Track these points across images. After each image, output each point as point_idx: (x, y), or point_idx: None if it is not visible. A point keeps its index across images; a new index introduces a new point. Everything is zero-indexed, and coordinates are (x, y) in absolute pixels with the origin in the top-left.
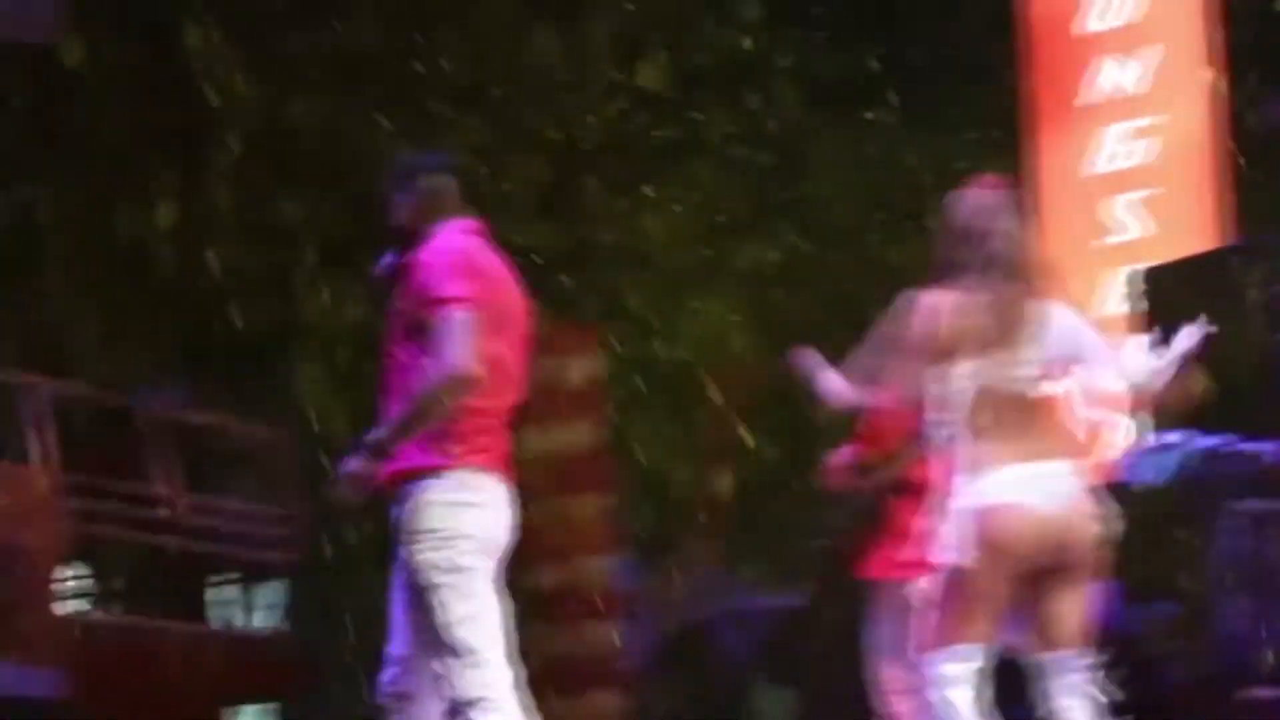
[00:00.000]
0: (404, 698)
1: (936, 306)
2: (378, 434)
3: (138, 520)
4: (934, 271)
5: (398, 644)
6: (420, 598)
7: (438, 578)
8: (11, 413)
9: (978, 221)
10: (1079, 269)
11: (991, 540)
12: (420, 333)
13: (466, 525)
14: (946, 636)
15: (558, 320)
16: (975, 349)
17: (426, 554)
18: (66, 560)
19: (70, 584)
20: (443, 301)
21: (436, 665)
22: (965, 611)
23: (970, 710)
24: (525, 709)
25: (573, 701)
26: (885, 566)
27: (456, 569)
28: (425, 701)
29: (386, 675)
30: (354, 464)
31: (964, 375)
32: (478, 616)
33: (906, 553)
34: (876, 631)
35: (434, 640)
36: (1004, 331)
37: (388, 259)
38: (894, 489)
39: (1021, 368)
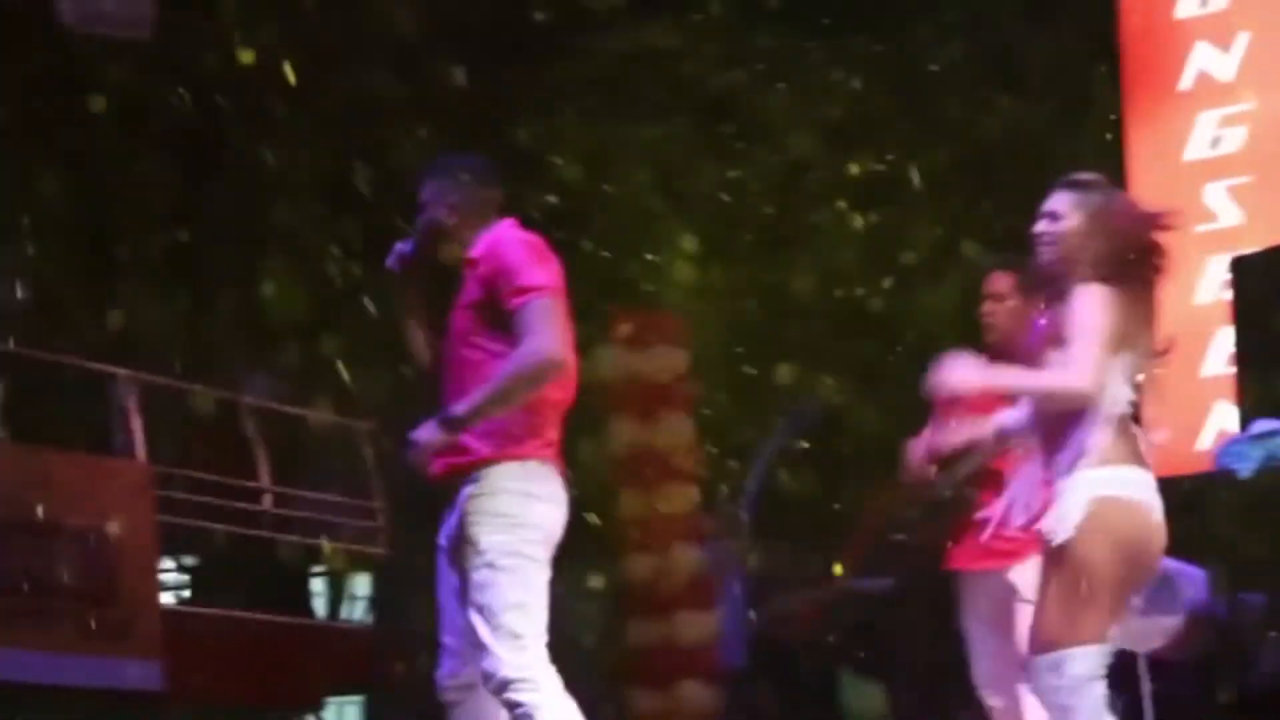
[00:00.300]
0: (465, 689)
1: (1106, 299)
2: (457, 409)
3: (230, 512)
4: (1090, 265)
5: (451, 635)
6: (475, 579)
7: (500, 560)
8: (102, 405)
9: (1142, 225)
10: (1174, 255)
11: (1128, 536)
12: (500, 322)
13: (534, 516)
14: (1076, 634)
15: (645, 314)
16: (1130, 345)
17: (493, 536)
18: (160, 553)
19: (165, 576)
20: (530, 290)
21: (481, 640)
22: (1096, 606)
23: (1106, 710)
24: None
25: (663, 692)
26: (974, 557)
27: (518, 555)
28: (485, 690)
29: (445, 668)
30: (427, 434)
31: (1118, 370)
32: (528, 606)
33: (996, 542)
34: (969, 625)
35: (482, 620)
36: (1148, 331)
37: (402, 247)
38: (979, 479)
39: (1153, 367)
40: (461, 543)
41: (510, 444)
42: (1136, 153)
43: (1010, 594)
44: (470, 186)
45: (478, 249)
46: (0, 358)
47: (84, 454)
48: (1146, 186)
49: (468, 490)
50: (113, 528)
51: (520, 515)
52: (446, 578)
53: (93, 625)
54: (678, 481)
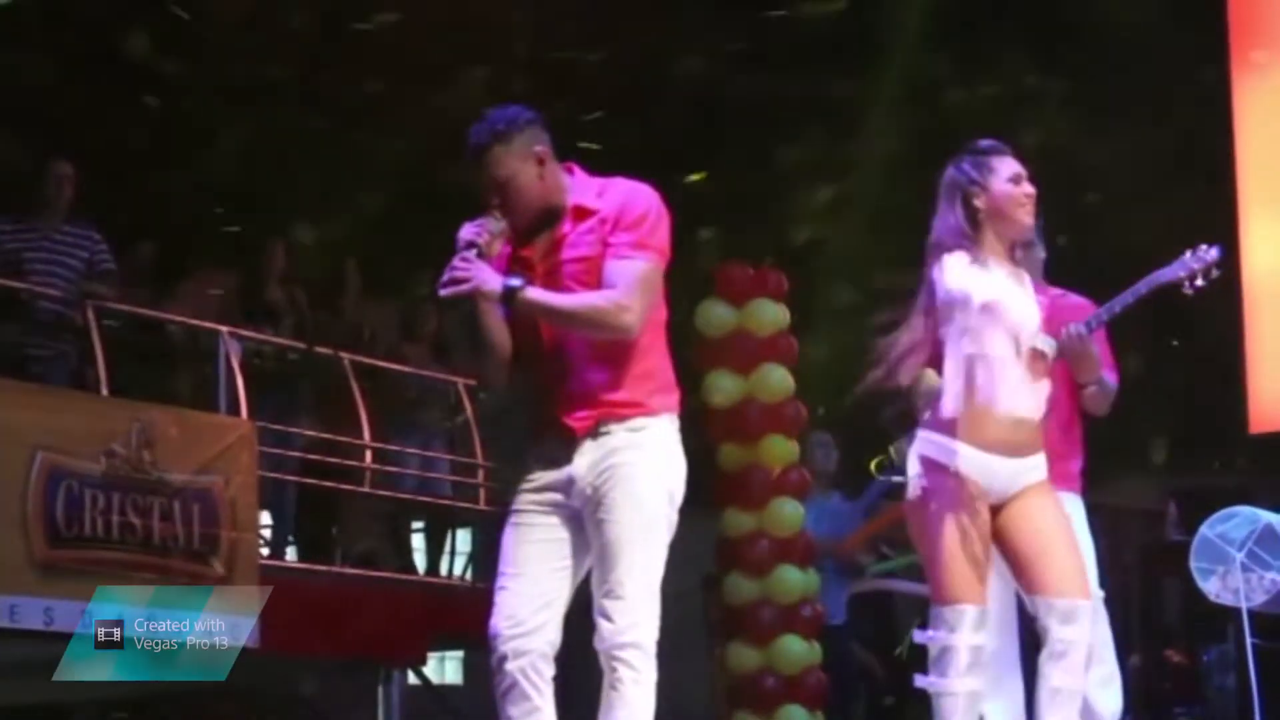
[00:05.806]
0: (522, 654)
1: None
2: (529, 290)
3: (330, 467)
4: None
5: (522, 588)
6: (625, 535)
7: (658, 518)
8: (203, 361)
9: None
10: None
11: None
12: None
13: (683, 474)
14: None
15: (746, 265)
16: None
17: (656, 493)
18: (260, 509)
19: (264, 533)
20: (648, 249)
21: (619, 596)
22: None
23: None
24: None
25: (762, 648)
26: None
27: (669, 517)
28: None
29: (510, 624)
30: (488, 277)
31: None
32: (661, 569)
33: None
34: None
35: (627, 578)
36: None
37: (477, 231)
38: None
39: None
40: (608, 496)
41: (669, 396)
42: (1242, 105)
43: None
44: (545, 130)
45: (588, 197)
46: (105, 315)
47: (187, 409)
48: (1253, 139)
49: (626, 440)
50: (215, 483)
51: (679, 472)
52: (541, 530)
53: (193, 580)
54: (778, 435)
